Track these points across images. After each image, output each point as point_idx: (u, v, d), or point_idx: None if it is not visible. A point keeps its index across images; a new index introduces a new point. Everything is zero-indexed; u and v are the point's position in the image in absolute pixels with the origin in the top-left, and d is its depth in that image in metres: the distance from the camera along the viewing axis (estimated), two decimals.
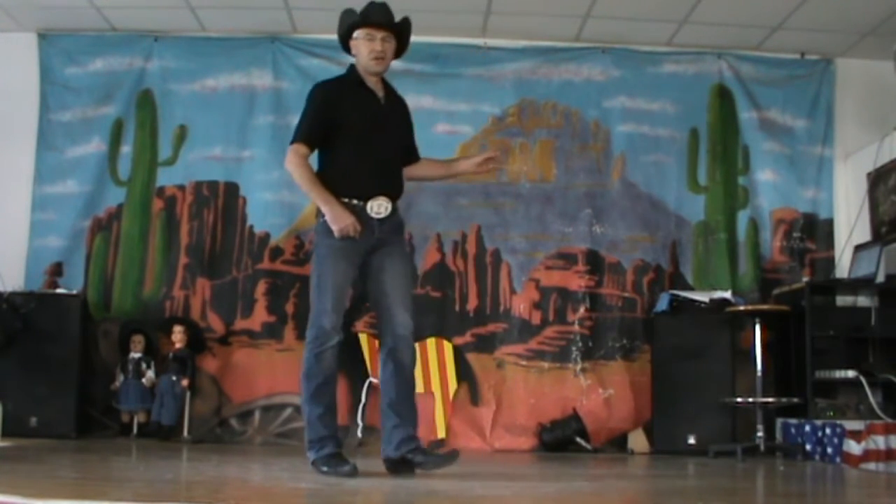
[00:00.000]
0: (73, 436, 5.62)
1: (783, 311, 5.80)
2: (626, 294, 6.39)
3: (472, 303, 6.31)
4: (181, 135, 6.48)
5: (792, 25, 6.25)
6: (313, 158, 4.06)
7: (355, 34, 4.06)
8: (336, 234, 3.85)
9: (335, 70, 6.48)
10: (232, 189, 6.43)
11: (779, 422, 5.88)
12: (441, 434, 6.08)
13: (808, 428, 5.51)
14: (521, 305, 6.35)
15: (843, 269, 6.33)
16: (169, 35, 6.54)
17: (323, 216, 3.90)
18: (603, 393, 6.23)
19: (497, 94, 6.56)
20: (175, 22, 6.40)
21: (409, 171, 4.23)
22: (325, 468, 3.80)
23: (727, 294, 6.05)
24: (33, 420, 5.60)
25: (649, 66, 6.62)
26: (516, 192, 6.47)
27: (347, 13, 4.10)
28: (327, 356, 3.88)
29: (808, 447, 5.44)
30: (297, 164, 3.94)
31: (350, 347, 6.15)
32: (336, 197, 3.90)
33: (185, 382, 5.91)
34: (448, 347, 6.19)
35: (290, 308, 6.26)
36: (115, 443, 5.63)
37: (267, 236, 6.37)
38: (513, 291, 6.36)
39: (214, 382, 6.16)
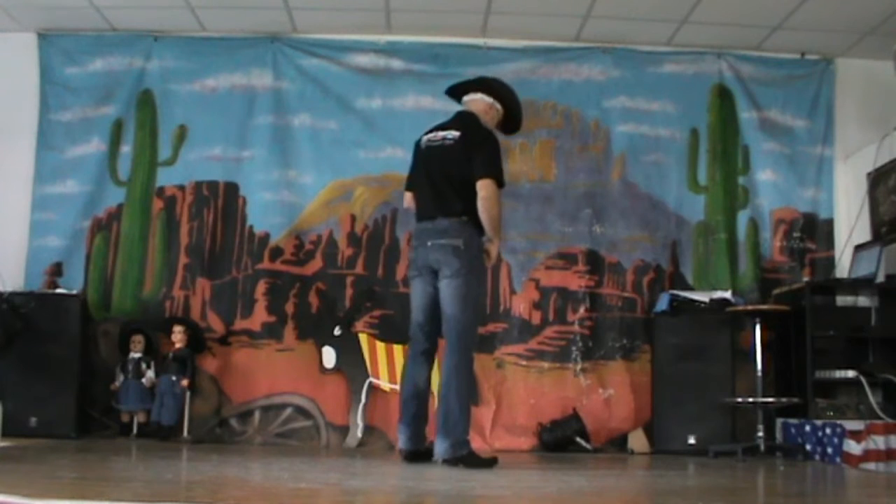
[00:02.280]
0: (73, 436, 5.62)
1: (783, 311, 5.80)
2: (626, 294, 6.38)
3: None
4: (181, 135, 6.48)
5: (792, 25, 6.25)
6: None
7: (501, 111, 4.80)
8: (489, 262, 4.67)
9: (335, 70, 6.54)
10: (232, 189, 6.43)
11: (779, 422, 5.87)
12: None
13: (808, 428, 5.51)
14: (521, 305, 6.34)
15: (843, 269, 6.33)
16: (169, 35, 6.54)
17: (482, 241, 4.56)
18: (603, 393, 6.22)
19: None
20: (175, 22, 6.40)
21: None
22: (477, 461, 4.40)
23: (727, 294, 6.04)
24: (33, 420, 5.60)
25: (649, 66, 6.62)
26: (516, 192, 6.45)
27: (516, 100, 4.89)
28: None
29: (808, 447, 5.44)
30: (498, 203, 4.53)
31: (350, 347, 6.16)
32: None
33: (185, 382, 5.91)
34: None
35: (289, 308, 6.26)
36: (115, 443, 5.62)
37: (267, 236, 6.37)
38: (513, 291, 6.35)
39: (214, 382, 6.16)
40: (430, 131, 4.75)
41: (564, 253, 6.42)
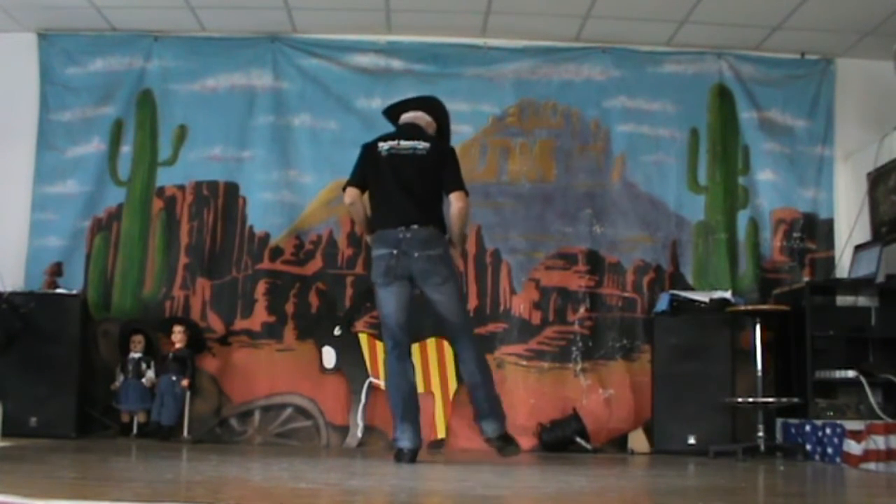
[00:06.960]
0: (73, 436, 5.62)
1: (783, 311, 5.80)
2: (626, 294, 6.38)
3: (471, 303, 6.30)
4: (181, 135, 6.48)
5: (792, 25, 6.25)
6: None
7: (435, 130, 5.03)
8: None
9: (335, 70, 6.54)
10: (232, 189, 6.43)
11: (779, 422, 5.87)
12: (441, 434, 6.08)
13: (808, 428, 5.51)
14: (520, 305, 6.35)
15: (843, 269, 6.33)
16: (169, 35, 6.54)
17: (451, 245, 4.83)
18: (603, 393, 6.22)
19: (497, 94, 6.56)
20: (175, 22, 6.40)
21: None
22: (513, 439, 4.98)
23: (727, 294, 6.05)
24: (33, 420, 5.60)
25: (649, 66, 6.62)
26: (516, 192, 6.47)
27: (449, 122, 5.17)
28: None
29: (808, 447, 5.44)
30: (469, 213, 4.90)
31: (350, 347, 6.16)
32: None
33: (185, 382, 5.91)
34: (448, 348, 6.17)
35: (289, 308, 6.26)
36: (115, 443, 5.62)
37: (267, 236, 6.37)
38: (513, 291, 6.36)
39: (214, 382, 6.16)
40: (386, 140, 4.87)
41: (564, 253, 6.42)
